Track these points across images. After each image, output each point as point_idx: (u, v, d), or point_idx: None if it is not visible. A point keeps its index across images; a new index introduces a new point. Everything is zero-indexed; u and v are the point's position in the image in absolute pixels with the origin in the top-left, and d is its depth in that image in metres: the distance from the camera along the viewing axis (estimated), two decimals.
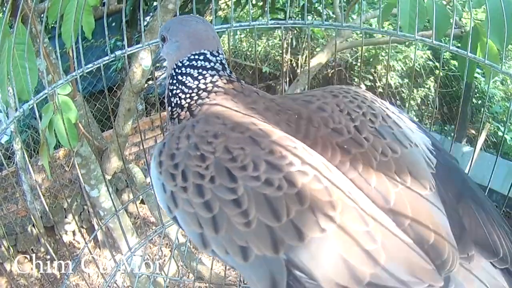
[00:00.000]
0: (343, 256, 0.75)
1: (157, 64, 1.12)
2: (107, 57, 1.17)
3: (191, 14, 1.14)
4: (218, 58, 0.98)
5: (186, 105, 0.96)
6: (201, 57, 0.97)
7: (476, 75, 4.15)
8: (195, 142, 0.84)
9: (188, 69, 0.97)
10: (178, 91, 0.97)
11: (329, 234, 0.75)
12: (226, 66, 1.00)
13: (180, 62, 0.98)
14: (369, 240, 0.76)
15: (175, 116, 0.97)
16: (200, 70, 0.96)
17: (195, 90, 0.96)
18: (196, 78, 0.96)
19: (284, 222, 0.76)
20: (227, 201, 0.78)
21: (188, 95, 0.96)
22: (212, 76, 0.96)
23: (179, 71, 0.98)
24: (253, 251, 0.77)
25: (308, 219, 0.76)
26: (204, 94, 0.95)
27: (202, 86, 0.96)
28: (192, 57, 0.97)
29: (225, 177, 0.79)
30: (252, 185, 0.78)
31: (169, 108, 0.99)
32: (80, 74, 1.10)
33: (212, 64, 0.97)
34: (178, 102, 0.97)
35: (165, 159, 0.85)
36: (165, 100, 1.02)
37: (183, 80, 0.97)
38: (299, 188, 0.77)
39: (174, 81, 0.98)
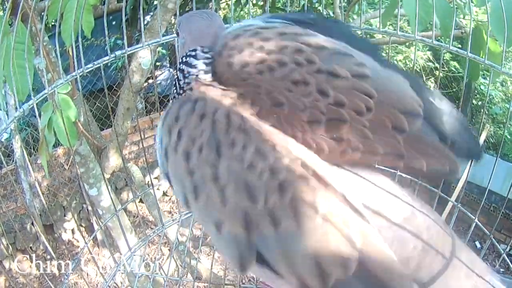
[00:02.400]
0: (315, 255, 0.74)
1: (157, 63, 1.10)
2: (107, 57, 1.17)
3: (204, 9, 1.13)
4: (207, 55, 0.93)
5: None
6: (192, 53, 0.95)
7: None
8: (199, 104, 0.83)
9: (181, 65, 0.95)
10: (178, 84, 0.97)
11: (306, 231, 0.74)
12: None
13: (181, 58, 0.98)
14: (346, 245, 0.74)
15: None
16: (186, 67, 0.94)
17: (186, 81, 0.93)
18: (184, 76, 0.94)
19: (260, 209, 0.74)
20: (207, 174, 0.77)
21: (186, 83, 0.93)
22: (194, 75, 0.92)
23: (180, 66, 0.98)
24: (226, 228, 0.77)
25: (287, 211, 0.75)
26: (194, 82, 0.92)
27: (193, 75, 0.91)
28: (188, 53, 0.96)
29: (213, 149, 0.78)
30: (234, 167, 0.76)
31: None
32: (80, 74, 1.10)
33: (197, 61, 0.93)
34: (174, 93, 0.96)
35: (169, 116, 0.85)
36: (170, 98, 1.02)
37: (178, 75, 0.97)
38: (281, 180, 0.75)
39: (177, 77, 0.99)
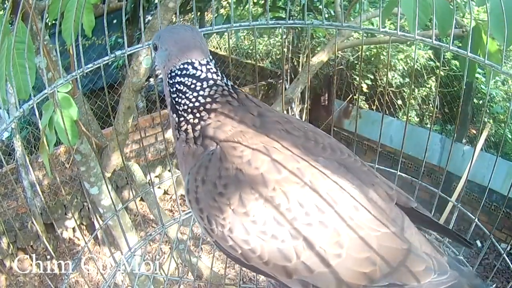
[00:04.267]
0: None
1: (155, 65, 1.10)
2: (107, 57, 1.17)
3: (182, 24, 1.14)
4: (207, 67, 0.97)
5: (191, 121, 0.97)
6: (190, 67, 0.96)
7: (477, 75, 4.14)
8: (210, 190, 0.91)
9: (181, 78, 0.96)
10: (180, 100, 0.97)
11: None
12: (219, 73, 0.99)
13: (172, 71, 0.98)
14: (335, 246, 0.87)
15: (182, 129, 0.98)
16: (192, 80, 0.96)
17: (196, 104, 0.96)
18: (192, 89, 0.96)
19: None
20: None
21: (190, 108, 0.96)
22: (209, 88, 0.96)
23: (174, 80, 0.97)
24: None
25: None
26: (204, 113, 0.96)
27: (201, 100, 0.95)
28: (182, 66, 0.96)
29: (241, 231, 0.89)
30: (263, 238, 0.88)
31: (175, 116, 0.99)
32: (80, 74, 1.10)
33: (203, 74, 0.96)
34: (183, 113, 0.97)
35: (192, 200, 0.94)
36: (168, 108, 1.02)
37: (181, 89, 0.97)
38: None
39: (174, 89, 0.98)
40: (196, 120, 0.96)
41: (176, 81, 0.97)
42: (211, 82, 0.96)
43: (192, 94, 0.96)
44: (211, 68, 0.97)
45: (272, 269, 0.90)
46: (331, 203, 0.88)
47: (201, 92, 0.96)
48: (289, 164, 0.89)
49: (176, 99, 0.98)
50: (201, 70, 0.96)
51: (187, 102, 0.96)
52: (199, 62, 0.96)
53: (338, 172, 0.93)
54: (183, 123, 0.98)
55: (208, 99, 0.95)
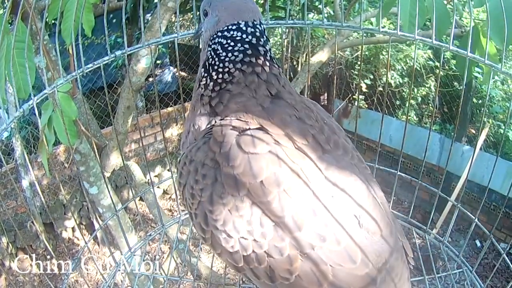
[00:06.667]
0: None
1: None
2: (107, 57, 1.16)
3: None
4: (253, 29, 0.94)
5: (214, 77, 0.96)
6: (234, 27, 0.94)
7: (476, 75, 4.14)
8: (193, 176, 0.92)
9: (220, 39, 0.95)
10: (212, 60, 0.96)
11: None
12: (263, 38, 0.96)
13: (215, 33, 0.96)
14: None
15: (202, 83, 0.98)
16: (229, 41, 0.94)
17: (222, 65, 0.94)
18: (225, 49, 0.94)
19: None
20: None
21: (217, 66, 0.95)
22: (243, 51, 0.93)
23: (214, 41, 0.96)
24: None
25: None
26: (227, 76, 0.94)
27: (228, 64, 0.94)
28: (227, 27, 0.95)
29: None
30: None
31: (203, 71, 0.99)
32: (80, 74, 1.10)
33: (244, 35, 0.94)
34: (210, 69, 0.96)
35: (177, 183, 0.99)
36: (200, 65, 1.01)
37: (217, 48, 0.95)
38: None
39: (211, 49, 0.97)
40: (219, 80, 0.95)
41: (215, 41, 0.96)
42: (247, 45, 0.94)
43: (223, 54, 0.94)
44: (256, 32, 0.95)
45: (223, 259, 0.94)
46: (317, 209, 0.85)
47: (232, 54, 0.94)
48: (269, 162, 0.86)
49: (209, 60, 0.97)
50: (244, 31, 0.94)
51: (217, 61, 0.95)
52: (246, 23, 0.94)
53: (340, 175, 0.90)
54: (207, 78, 0.97)
55: (237, 65, 0.93)
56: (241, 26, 0.94)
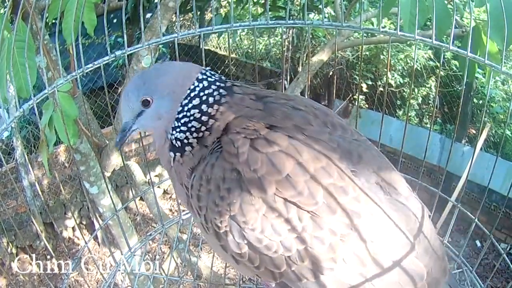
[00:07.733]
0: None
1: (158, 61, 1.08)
2: (107, 57, 1.16)
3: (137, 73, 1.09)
4: (205, 76, 0.96)
5: (195, 140, 0.94)
6: (197, 89, 0.94)
7: (477, 75, 4.14)
8: (212, 190, 0.89)
9: (194, 100, 0.94)
10: (188, 129, 0.94)
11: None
12: (221, 77, 0.98)
13: (182, 109, 0.94)
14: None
15: (187, 142, 0.96)
16: (203, 100, 0.94)
17: (204, 118, 0.93)
18: (203, 112, 0.93)
19: None
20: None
21: (194, 129, 0.94)
22: (219, 94, 0.94)
23: (189, 106, 0.94)
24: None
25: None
26: (211, 110, 0.93)
27: (209, 110, 0.93)
28: (193, 87, 0.94)
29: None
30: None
31: (179, 140, 0.96)
32: (80, 73, 1.10)
33: (212, 86, 0.95)
34: (186, 141, 0.95)
35: (194, 196, 0.94)
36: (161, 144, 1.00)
37: (189, 121, 0.94)
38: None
39: (181, 128, 0.95)
40: (204, 125, 0.93)
41: (186, 115, 0.94)
42: (220, 90, 0.94)
43: (203, 107, 0.94)
44: (209, 77, 0.96)
45: (261, 272, 0.91)
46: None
47: (213, 104, 0.93)
48: (290, 162, 0.87)
49: (184, 134, 0.95)
50: (207, 85, 0.95)
51: (196, 124, 0.94)
52: (197, 78, 0.95)
53: (353, 152, 0.93)
54: (186, 145, 0.95)
55: (215, 105, 0.93)
56: (199, 84, 0.94)
